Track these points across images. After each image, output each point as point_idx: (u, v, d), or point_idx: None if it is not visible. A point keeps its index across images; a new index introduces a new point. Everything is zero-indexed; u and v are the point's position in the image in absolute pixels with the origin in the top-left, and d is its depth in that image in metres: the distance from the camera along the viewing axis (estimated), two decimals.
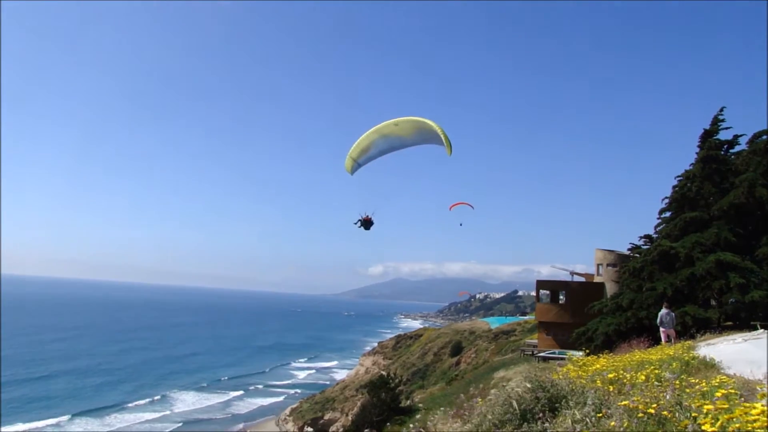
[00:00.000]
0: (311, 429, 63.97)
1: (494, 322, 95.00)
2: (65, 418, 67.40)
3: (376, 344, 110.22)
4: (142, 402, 77.95)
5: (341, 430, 55.61)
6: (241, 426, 70.92)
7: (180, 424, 69.26)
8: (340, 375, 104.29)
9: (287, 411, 73.46)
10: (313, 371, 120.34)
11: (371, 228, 22.01)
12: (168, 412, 74.35)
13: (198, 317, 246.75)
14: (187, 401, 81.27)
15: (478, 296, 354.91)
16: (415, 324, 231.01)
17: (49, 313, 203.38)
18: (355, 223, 21.89)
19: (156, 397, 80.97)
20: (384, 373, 57.30)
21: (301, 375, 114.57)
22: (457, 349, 79.01)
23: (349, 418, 55.97)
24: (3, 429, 61.63)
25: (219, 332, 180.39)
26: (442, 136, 19.37)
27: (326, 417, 66.15)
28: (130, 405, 75.95)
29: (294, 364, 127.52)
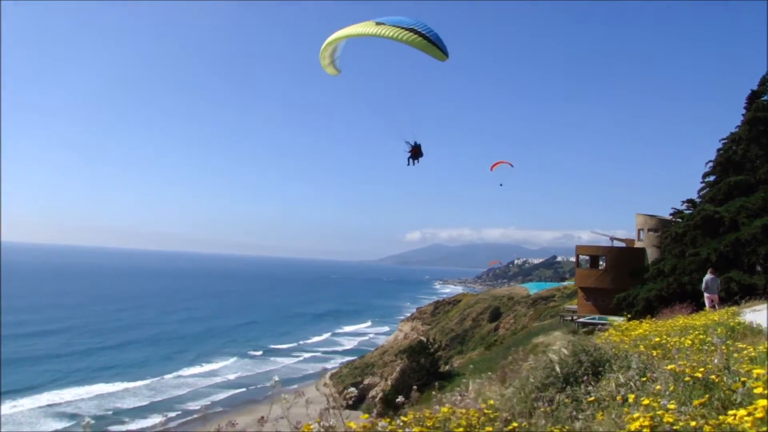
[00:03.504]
0: (353, 388, 65.10)
1: (533, 288, 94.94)
2: (125, 385, 69.66)
3: (414, 310, 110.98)
4: (197, 369, 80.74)
5: (381, 394, 56.47)
6: (291, 388, 72.38)
7: (235, 391, 70.97)
8: (380, 341, 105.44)
9: (327, 376, 74.73)
10: (358, 337, 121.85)
11: (422, 153, 18.67)
12: (220, 379, 76.52)
13: (249, 285, 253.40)
14: (240, 368, 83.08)
15: (516, 262, 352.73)
16: (454, 290, 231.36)
17: (107, 282, 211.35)
18: (409, 164, 18.70)
19: (211, 365, 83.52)
20: (423, 338, 57.88)
21: (346, 341, 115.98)
22: (495, 315, 79.25)
23: (389, 382, 56.77)
24: (81, 389, 65.77)
25: (272, 301, 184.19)
26: (423, 48, 14.74)
27: (366, 382, 67.20)
28: (184, 373, 78.23)
29: (339, 331, 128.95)
